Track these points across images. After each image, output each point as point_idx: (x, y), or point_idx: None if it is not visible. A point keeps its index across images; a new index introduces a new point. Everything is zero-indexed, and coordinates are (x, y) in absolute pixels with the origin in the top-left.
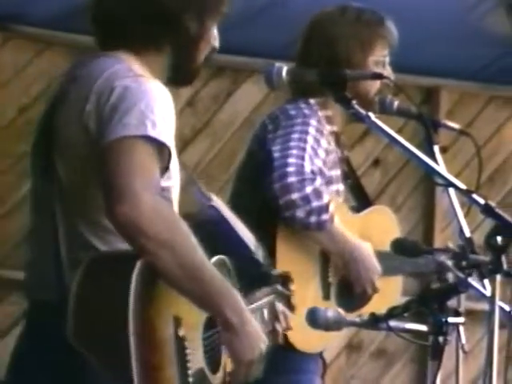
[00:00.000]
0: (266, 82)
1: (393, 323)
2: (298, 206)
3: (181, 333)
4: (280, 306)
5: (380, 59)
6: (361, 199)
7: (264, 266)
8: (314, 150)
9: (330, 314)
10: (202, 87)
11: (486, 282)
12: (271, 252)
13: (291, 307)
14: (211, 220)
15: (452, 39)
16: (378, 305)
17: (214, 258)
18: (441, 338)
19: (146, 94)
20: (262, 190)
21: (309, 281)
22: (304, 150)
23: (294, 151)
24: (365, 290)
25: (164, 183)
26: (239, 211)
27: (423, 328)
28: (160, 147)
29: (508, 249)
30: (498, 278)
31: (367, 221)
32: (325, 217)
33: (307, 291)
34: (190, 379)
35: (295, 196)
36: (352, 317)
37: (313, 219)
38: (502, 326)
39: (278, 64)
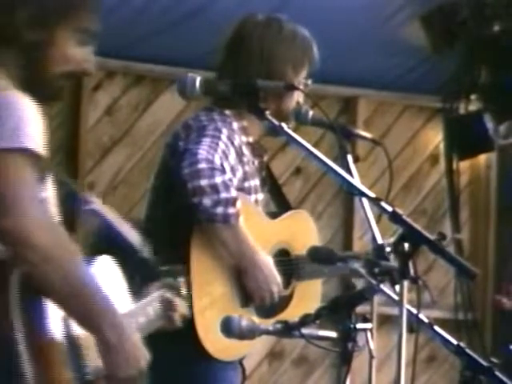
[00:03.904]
0: (179, 92)
1: (306, 331)
2: (206, 194)
3: (74, 332)
4: (170, 296)
5: (302, 80)
6: (282, 206)
7: (150, 262)
8: (225, 154)
9: (244, 322)
10: (121, 96)
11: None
12: (186, 260)
13: (182, 297)
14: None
15: (369, 50)
16: (297, 311)
17: (99, 258)
18: (349, 344)
19: (16, 107)
20: (174, 198)
21: (226, 288)
22: (215, 149)
23: (206, 147)
24: (263, 300)
25: (42, 194)
26: (154, 221)
27: (334, 335)
28: (36, 159)
29: (415, 255)
30: (406, 283)
31: (285, 225)
32: (231, 210)
33: (225, 299)
34: (89, 377)
35: (204, 182)
36: (270, 323)
37: (219, 210)
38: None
39: (190, 74)
